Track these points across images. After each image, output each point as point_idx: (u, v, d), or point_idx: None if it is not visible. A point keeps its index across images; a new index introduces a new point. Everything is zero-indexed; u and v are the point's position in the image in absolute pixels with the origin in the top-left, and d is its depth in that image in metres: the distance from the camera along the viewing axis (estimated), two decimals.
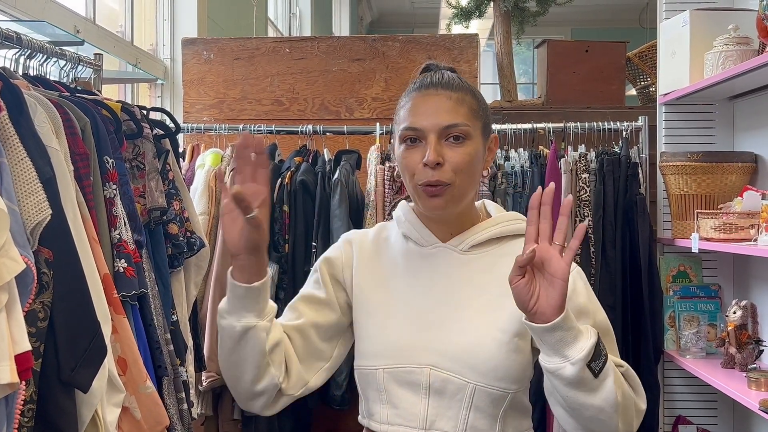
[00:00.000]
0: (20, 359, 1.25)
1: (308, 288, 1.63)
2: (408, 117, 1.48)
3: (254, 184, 1.35)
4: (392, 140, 1.59)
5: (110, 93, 3.92)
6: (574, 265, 1.54)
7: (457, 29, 5.16)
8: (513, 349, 1.47)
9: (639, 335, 3.02)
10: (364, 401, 1.58)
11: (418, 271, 1.56)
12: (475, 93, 1.52)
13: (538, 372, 1.49)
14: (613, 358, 1.45)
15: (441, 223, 1.55)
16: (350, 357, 1.62)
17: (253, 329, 1.42)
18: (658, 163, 3.18)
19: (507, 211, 2.87)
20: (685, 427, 3.15)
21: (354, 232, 1.69)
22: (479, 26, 7.83)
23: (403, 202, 1.64)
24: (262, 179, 1.36)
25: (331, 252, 1.65)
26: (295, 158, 3.09)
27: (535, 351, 1.51)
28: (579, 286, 1.50)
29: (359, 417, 1.61)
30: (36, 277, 1.34)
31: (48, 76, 2.08)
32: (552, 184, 1.37)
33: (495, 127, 3.25)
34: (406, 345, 1.50)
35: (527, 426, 1.57)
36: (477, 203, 1.64)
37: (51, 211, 1.38)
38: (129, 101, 3.79)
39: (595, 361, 1.33)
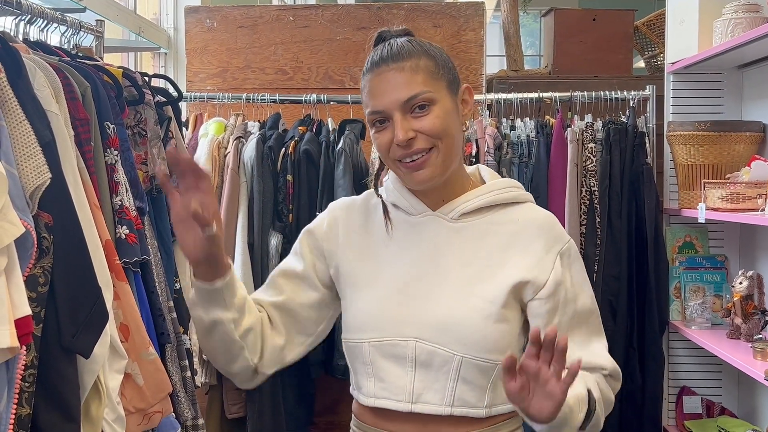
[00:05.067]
0: (20, 323, 1.24)
1: (288, 261, 1.61)
2: (369, 100, 1.46)
3: (201, 193, 1.32)
4: None
5: (113, 62, 3.89)
6: (567, 238, 1.52)
7: None
8: (501, 320, 1.45)
9: (644, 306, 3.01)
10: (353, 373, 1.57)
11: (406, 240, 1.52)
12: (429, 52, 1.46)
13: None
14: (595, 358, 1.48)
15: (431, 190, 1.51)
16: None
17: (221, 322, 1.43)
18: (665, 132, 3.15)
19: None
20: (689, 398, 3.14)
21: (341, 201, 1.65)
22: None
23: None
24: (206, 188, 1.34)
25: (313, 223, 1.62)
26: (299, 128, 3.07)
27: (525, 320, 1.51)
28: (567, 274, 1.48)
29: (350, 388, 1.60)
30: (36, 242, 1.32)
31: (49, 43, 2.06)
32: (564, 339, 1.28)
33: (501, 96, 3.22)
34: (390, 317, 1.48)
35: None
36: (471, 168, 1.61)
37: (50, 175, 1.36)
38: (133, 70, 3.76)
39: (586, 421, 1.40)
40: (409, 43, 1.46)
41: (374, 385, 1.50)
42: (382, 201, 1.57)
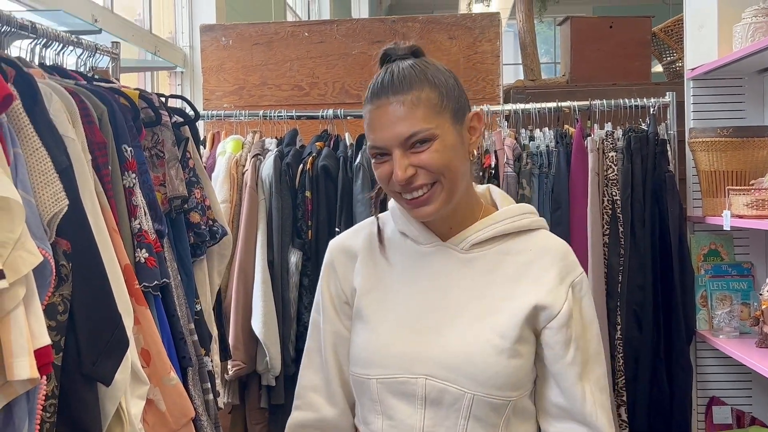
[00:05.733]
0: (40, 354, 1.22)
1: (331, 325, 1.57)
2: (369, 134, 1.41)
3: None
4: None
5: (130, 82, 3.91)
6: (580, 270, 1.47)
7: (478, 9, 5.09)
8: (513, 355, 1.39)
9: (670, 316, 2.96)
10: (359, 406, 1.52)
11: (416, 271, 1.47)
12: (433, 81, 1.39)
13: None
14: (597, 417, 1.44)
15: (439, 219, 1.45)
16: None
17: None
18: (686, 139, 3.11)
19: (533, 191, 2.82)
20: (719, 408, 3.09)
21: (341, 239, 1.60)
22: (500, 5, 7.74)
23: None
24: None
25: (324, 276, 1.58)
26: (317, 143, 3.06)
27: (539, 354, 1.45)
28: (577, 306, 1.44)
29: (355, 419, 1.55)
30: (54, 270, 1.31)
31: (65, 66, 2.05)
32: None
33: (518, 106, 3.19)
34: (399, 353, 1.43)
35: (532, 431, 1.48)
36: (481, 188, 1.55)
37: (68, 202, 1.35)
38: (149, 90, 3.78)
39: None
40: (412, 69, 1.39)
41: (383, 423, 1.44)
42: (378, 228, 1.53)
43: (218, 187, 2.93)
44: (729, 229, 2.76)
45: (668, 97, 3.14)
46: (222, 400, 2.71)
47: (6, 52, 1.81)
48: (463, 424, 1.39)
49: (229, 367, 2.79)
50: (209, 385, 1.98)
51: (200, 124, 3.50)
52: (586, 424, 1.43)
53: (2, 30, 1.73)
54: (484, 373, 1.38)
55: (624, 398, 2.89)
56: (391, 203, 1.54)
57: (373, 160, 1.43)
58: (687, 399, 2.98)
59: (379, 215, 1.56)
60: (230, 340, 2.80)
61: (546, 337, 1.43)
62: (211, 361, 2.08)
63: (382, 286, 1.49)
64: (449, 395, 1.39)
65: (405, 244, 1.50)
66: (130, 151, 1.76)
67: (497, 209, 1.51)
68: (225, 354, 2.40)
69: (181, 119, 2.19)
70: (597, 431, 1.43)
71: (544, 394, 1.47)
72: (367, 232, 1.56)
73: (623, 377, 2.89)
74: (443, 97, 1.39)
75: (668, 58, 3.96)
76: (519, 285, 1.43)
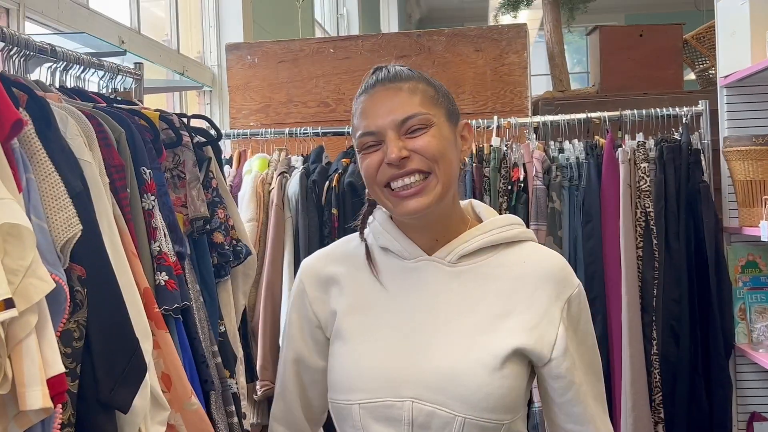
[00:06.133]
0: (53, 382, 1.20)
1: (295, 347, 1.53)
2: (360, 122, 1.35)
3: None
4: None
5: (158, 102, 3.93)
6: (577, 282, 1.40)
7: (506, 20, 5.05)
8: (506, 375, 1.30)
9: (708, 330, 2.89)
10: None
11: (400, 288, 1.39)
12: (429, 80, 1.37)
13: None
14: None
15: (424, 229, 1.38)
16: None
17: None
18: (721, 148, 3.04)
19: (563, 204, 2.77)
20: (760, 424, 3.00)
21: (314, 264, 1.52)
22: (530, 17, 7.69)
23: (379, 209, 1.46)
24: None
25: (294, 301, 1.52)
26: (343, 160, 3.03)
27: (531, 375, 1.38)
28: (574, 322, 1.37)
29: None
30: (69, 296, 1.29)
31: (87, 88, 2.05)
32: None
33: (547, 118, 3.15)
34: (383, 375, 1.34)
35: None
36: (463, 203, 1.47)
37: (81, 227, 1.33)
38: (177, 110, 3.79)
39: None
40: (408, 69, 1.38)
41: None
42: (366, 245, 1.45)
43: (245, 206, 2.92)
44: (767, 239, 2.69)
45: (701, 106, 3.07)
46: (251, 421, 2.68)
47: (28, 76, 1.81)
48: None
49: (257, 387, 2.76)
50: (233, 407, 1.95)
51: (227, 143, 3.50)
52: None
53: (21, 54, 1.72)
54: (476, 393, 1.29)
55: (661, 415, 2.81)
56: (371, 222, 1.47)
57: (360, 154, 1.37)
58: (727, 415, 2.90)
59: (365, 235, 1.48)
60: (258, 360, 2.77)
61: (553, 370, 1.36)
62: (236, 383, 2.05)
63: (366, 305, 1.41)
64: (438, 419, 1.30)
65: (388, 260, 1.42)
66: (149, 173, 1.74)
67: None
68: (251, 375, 2.38)
69: (204, 139, 2.18)
70: None
71: (554, 420, 1.42)
72: (346, 252, 1.49)
73: (660, 393, 2.82)
74: (439, 95, 1.36)
75: (701, 66, 3.89)
76: (510, 301, 1.36)
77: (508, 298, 1.36)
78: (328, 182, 2.93)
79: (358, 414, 1.35)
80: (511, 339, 1.32)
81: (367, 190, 1.43)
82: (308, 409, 1.53)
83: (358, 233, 1.49)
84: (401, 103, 1.32)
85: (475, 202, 1.49)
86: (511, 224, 1.43)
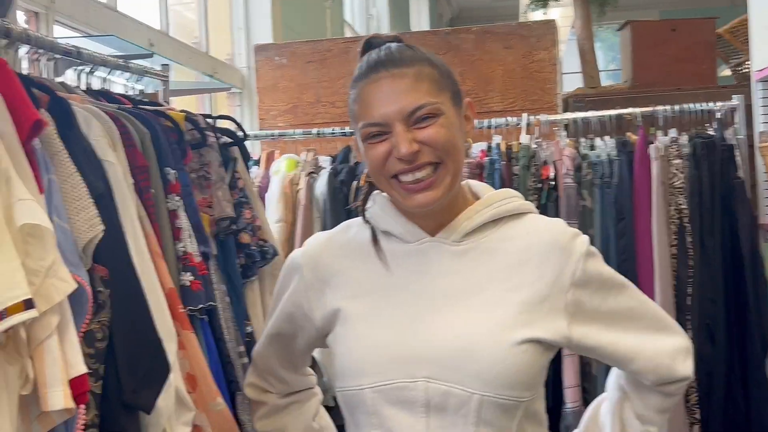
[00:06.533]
0: (75, 383, 1.19)
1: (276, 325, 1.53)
2: (363, 111, 1.29)
3: None
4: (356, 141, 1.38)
5: (188, 105, 3.94)
6: (581, 237, 1.34)
7: (537, 17, 5.01)
8: (521, 351, 1.25)
9: (744, 329, 2.83)
10: (354, 427, 1.37)
11: (406, 271, 1.34)
12: (432, 60, 1.30)
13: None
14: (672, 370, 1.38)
15: (428, 214, 1.33)
16: None
17: None
18: (756, 144, 2.98)
19: (594, 202, 2.72)
20: None
21: (310, 245, 1.47)
22: (561, 14, 7.62)
23: (378, 193, 1.41)
24: None
25: (283, 280, 1.49)
26: None
27: (547, 351, 1.32)
28: (588, 292, 1.32)
29: None
30: (92, 297, 1.29)
31: (114, 90, 2.06)
32: None
33: (578, 115, 3.11)
34: (395, 356, 1.29)
35: None
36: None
37: (103, 227, 1.32)
38: (208, 112, 3.80)
39: None
40: (408, 48, 1.31)
41: None
42: (372, 228, 1.40)
43: (273, 207, 2.92)
44: None
45: (735, 101, 3.01)
46: None
47: (59, 78, 1.82)
48: (473, 431, 1.26)
49: None
50: None
51: (257, 144, 3.50)
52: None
53: (47, 56, 1.73)
54: (492, 368, 1.24)
55: (697, 416, 2.76)
56: (371, 206, 1.42)
57: (363, 144, 1.31)
58: (765, 417, 2.84)
59: (367, 218, 1.42)
60: None
61: (571, 339, 1.32)
62: None
63: (371, 289, 1.37)
64: (454, 398, 1.26)
65: (390, 244, 1.38)
66: (174, 173, 1.74)
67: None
68: None
69: (230, 140, 2.17)
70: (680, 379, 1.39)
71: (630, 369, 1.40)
72: (345, 242, 1.44)
73: (696, 394, 2.77)
74: (443, 77, 1.30)
75: (735, 60, 3.82)
76: (521, 273, 1.31)
77: (516, 271, 1.32)
78: (355, 182, 2.92)
79: (370, 398, 1.30)
80: (525, 307, 1.29)
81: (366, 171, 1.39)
82: (286, 360, 1.56)
83: (356, 219, 1.46)
84: (407, 91, 1.26)
85: (472, 182, 1.44)
86: (510, 197, 1.38)
